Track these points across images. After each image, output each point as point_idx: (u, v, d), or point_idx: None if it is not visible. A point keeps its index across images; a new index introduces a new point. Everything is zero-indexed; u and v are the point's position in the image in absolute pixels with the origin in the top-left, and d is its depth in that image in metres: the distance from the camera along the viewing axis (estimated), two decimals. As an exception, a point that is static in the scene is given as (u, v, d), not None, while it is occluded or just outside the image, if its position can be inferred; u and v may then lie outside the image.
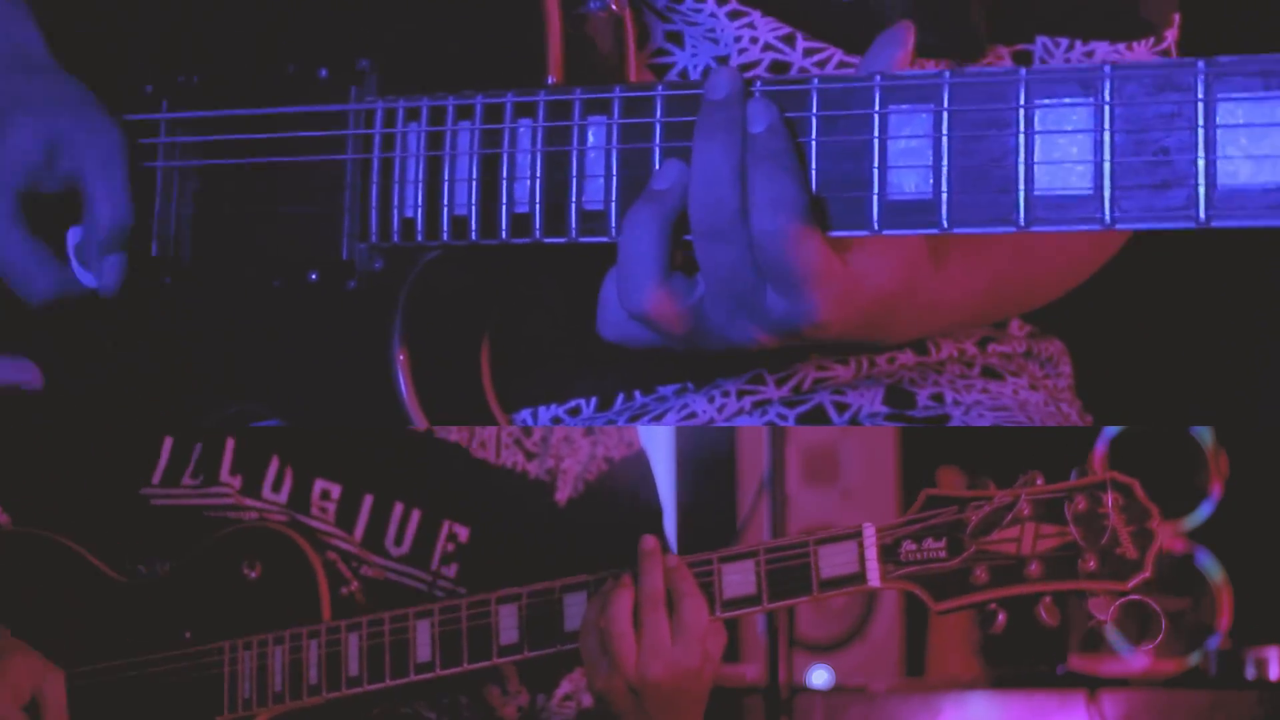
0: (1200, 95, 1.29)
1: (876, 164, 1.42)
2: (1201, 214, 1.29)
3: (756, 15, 1.70)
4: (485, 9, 1.63)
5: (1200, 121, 1.29)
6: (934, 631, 4.15)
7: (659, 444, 4.18)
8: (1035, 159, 1.35)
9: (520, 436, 1.98)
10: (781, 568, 1.70)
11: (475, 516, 1.95)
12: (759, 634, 3.60)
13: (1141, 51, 1.77)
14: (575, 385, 1.79)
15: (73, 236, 1.72)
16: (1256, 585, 3.75)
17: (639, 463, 2.03)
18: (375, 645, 1.80)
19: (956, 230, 1.39)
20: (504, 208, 1.57)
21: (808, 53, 1.70)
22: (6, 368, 1.77)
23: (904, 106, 1.41)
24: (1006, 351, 1.89)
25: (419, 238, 1.62)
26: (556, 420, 1.79)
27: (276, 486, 1.94)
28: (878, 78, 1.42)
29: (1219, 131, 1.29)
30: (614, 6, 1.62)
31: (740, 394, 1.77)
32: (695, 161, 1.45)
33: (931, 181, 1.39)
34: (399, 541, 1.94)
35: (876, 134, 1.42)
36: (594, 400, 1.79)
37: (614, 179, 1.53)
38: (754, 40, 1.70)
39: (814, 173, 1.44)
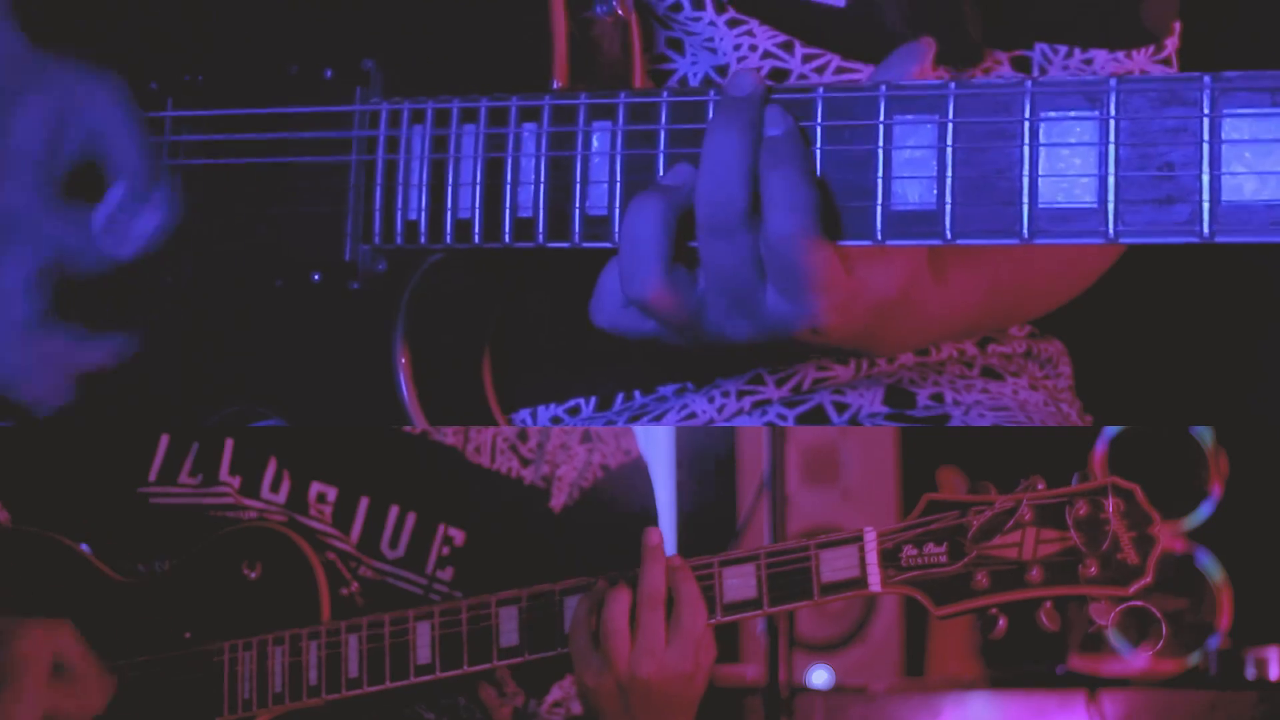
0: (1206, 110, 1.29)
1: (881, 174, 1.42)
2: (1205, 230, 1.29)
3: (754, 23, 1.70)
4: (491, 12, 1.62)
5: (1205, 137, 1.29)
6: (934, 632, 4.16)
7: (659, 444, 4.18)
8: (1039, 171, 1.35)
9: (516, 442, 1.97)
10: (782, 572, 1.69)
11: (471, 521, 1.94)
12: (759, 634, 3.59)
13: (1141, 60, 1.77)
14: (575, 385, 1.79)
15: (102, 210, 1.68)
16: (1256, 585, 3.75)
17: (636, 471, 2.02)
18: (375, 647, 1.80)
19: (960, 241, 1.39)
20: (508, 212, 1.57)
21: (806, 59, 1.70)
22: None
23: (909, 117, 1.41)
24: (1006, 352, 1.90)
25: (422, 240, 1.62)
26: (556, 420, 1.79)
27: (275, 487, 1.94)
28: (883, 88, 1.42)
29: (1224, 147, 1.29)
30: (620, 12, 1.62)
31: (740, 394, 1.77)
32: (707, 156, 1.45)
33: (935, 192, 1.39)
34: (394, 544, 1.94)
35: (881, 144, 1.42)
36: (593, 400, 1.79)
37: (618, 185, 1.53)
38: (753, 48, 1.70)
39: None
